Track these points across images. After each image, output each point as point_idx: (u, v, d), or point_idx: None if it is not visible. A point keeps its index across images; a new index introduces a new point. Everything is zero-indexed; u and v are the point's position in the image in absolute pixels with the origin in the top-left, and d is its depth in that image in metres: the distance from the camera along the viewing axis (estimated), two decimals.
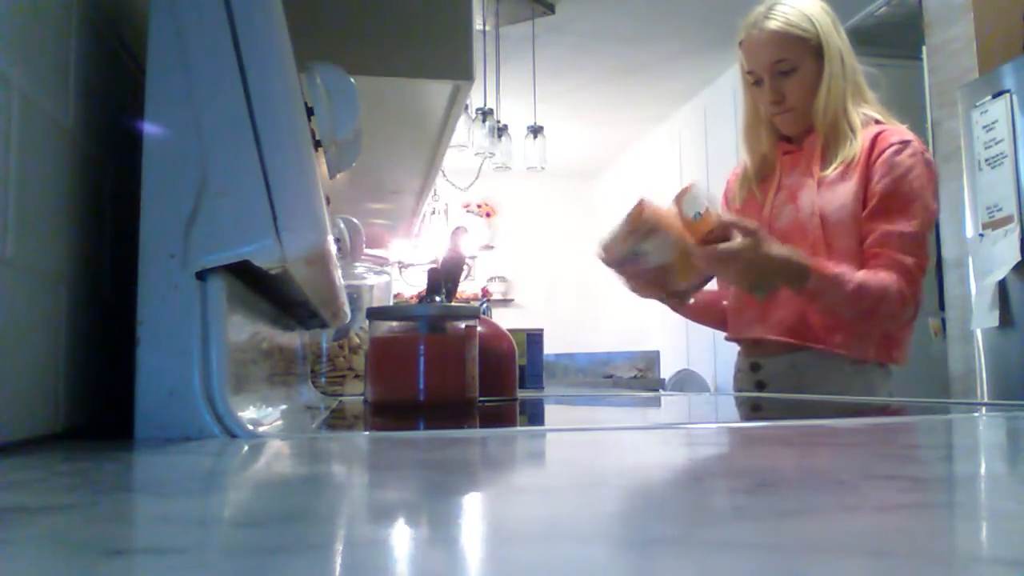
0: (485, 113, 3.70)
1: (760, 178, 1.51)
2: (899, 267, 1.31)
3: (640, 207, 1.31)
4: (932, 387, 2.88)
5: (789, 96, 1.41)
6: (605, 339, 5.73)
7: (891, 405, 1.07)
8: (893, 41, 3.59)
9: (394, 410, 0.91)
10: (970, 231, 2.64)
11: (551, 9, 3.75)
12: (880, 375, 1.39)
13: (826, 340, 1.38)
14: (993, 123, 2.51)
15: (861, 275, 1.31)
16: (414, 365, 0.90)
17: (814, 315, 1.39)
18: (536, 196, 6.57)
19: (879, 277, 1.31)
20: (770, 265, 1.27)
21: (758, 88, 1.44)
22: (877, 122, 1.40)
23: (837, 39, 1.40)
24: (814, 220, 1.38)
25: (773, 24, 1.39)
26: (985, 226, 2.54)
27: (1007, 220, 2.44)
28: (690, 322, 1.69)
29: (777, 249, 1.27)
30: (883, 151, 1.35)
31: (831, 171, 1.39)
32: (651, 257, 1.30)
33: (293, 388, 0.93)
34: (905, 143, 1.36)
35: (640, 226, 1.29)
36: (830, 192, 1.38)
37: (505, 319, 3.92)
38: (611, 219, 1.40)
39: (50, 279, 0.51)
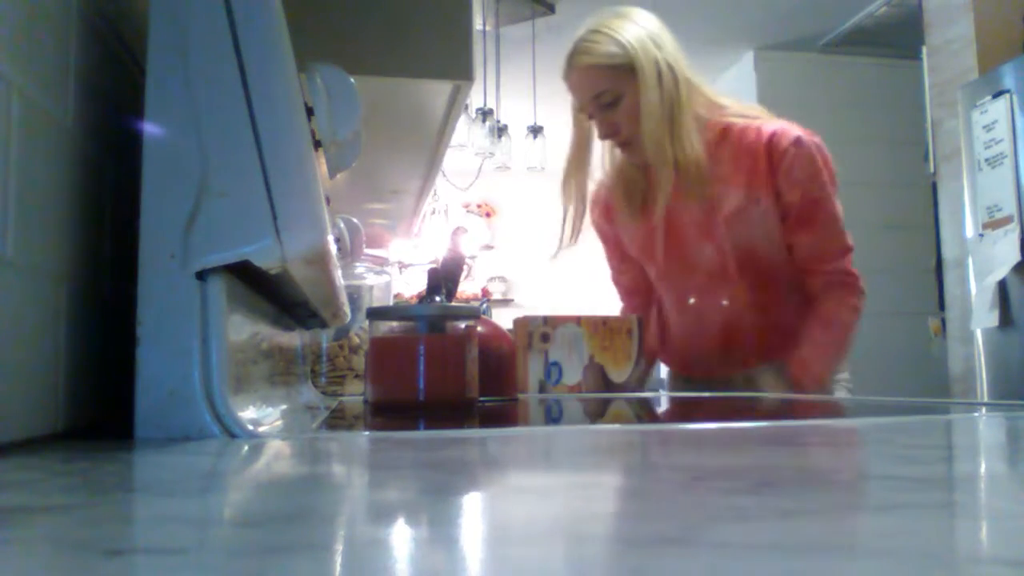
0: (485, 113, 3.70)
1: (634, 207, 1.43)
2: (842, 279, 1.36)
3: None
4: (932, 387, 2.88)
5: (622, 127, 1.32)
6: None
7: (890, 405, 1.07)
8: (893, 41, 3.59)
9: (394, 410, 0.91)
10: (970, 231, 2.63)
11: (551, 9, 3.75)
12: None
13: (778, 353, 1.39)
14: (993, 123, 2.50)
15: (824, 320, 1.34)
16: (414, 365, 0.90)
17: (747, 337, 1.41)
18: (536, 196, 6.55)
19: (836, 308, 1.35)
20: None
21: (592, 122, 1.36)
22: (725, 122, 1.34)
23: (655, 53, 1.28)
24: (737, 256, 1.35)
25: (581, 59, 1.31)
26: (985, 226, 2.54)
27: (1007, 220, 2.44)
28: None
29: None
30: (782, 158, 1.30)
31: (731, 202, 1.32)
32: (564, 372, 1.37)
33: (293, 388, 0.93)
34: (797, 141, 1.30)
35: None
36: (745, 225, 1.33)
37: (505, 319, 3.92)
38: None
39: (50, 279, 0.51)
